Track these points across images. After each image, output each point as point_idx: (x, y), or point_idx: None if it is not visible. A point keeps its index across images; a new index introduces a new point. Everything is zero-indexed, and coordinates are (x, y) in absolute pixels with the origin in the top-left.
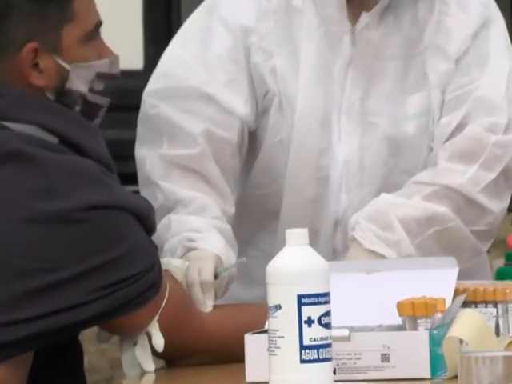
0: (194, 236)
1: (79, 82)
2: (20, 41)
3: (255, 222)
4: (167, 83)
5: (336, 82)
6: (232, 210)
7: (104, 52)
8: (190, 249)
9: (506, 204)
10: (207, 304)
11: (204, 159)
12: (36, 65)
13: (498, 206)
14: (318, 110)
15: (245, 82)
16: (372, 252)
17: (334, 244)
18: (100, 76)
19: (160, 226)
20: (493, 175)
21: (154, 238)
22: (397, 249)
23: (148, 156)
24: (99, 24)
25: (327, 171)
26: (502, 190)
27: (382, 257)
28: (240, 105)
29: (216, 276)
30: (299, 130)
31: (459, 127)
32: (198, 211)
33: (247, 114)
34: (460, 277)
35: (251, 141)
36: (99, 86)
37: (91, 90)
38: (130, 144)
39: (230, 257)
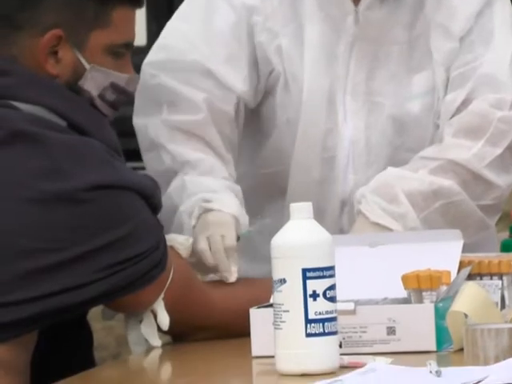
0: (210, 197)
1: (92, 85)
2: (48, 24)
3: (263, 201)
4: (168, 55)
5: (340, 62)
6: (234, 175)
7: (126, 69)
8: (207, 209)
9: None
10: (232, 270)
11: (207, 125)
12: (55, 53)
13: (504, 180)
14: (323, 89)
15: (245, 60)
16: (378, 225)
17: (341, 224)
18: (114, 87)
19: (173, 187)
20: (499, 150)
21: (167, 199)
22: (402, 222)
23: (150, 122)
24: (130, 45)
25: (334, 151)
26: (508, 165)
27: (388, 230)
28: (238, 81)
29: (237, 239)
30: (306, 109)
31: (464, 103)
32: (207, 172)
33: (245, 91)
34: (467, 250)
35: (261, 119)
36: (110, 97)
37: (101, 96)
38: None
39: (244, 217)
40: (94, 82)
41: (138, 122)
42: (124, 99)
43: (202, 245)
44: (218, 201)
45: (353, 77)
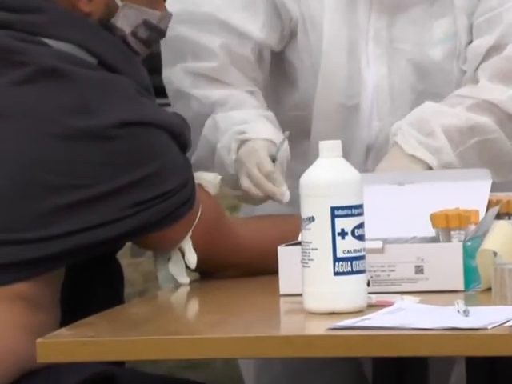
0: (244, 128)
1: (125, 22)
2: None
3: (289, 142)
4: (182, 7)
5: (361, 9)
6: (265, 104)
7: (159, 6)
8: (243, 141)
9: None
10: (283, 191)
11: (227, 69)
12: None
13: None
14: (343, 37)
15: (262, 6)
16: (413, 157)
17: (366, 170)
18: (147, 24)
19: (206, 128)
20: None
21: (204, 142)
22: (438, 156)
23: (173, 72)
24: None
25: (357, 99)
26: None
27: (422, 163)
28: (256, 29)
29: (273, 160)
30: (327, 56)
31: (496, 49)
32: (237, 106)
33: (264, 38)
34: (497, 189)
35: (285, 63)
36: (143, 34)
37: (134, 34)
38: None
39: (279, 137)
40: (127, 19)
41: (165, 73)
42: (156, 37)
43: (245, 183)
44: (252, 129)
45: (374, 23)
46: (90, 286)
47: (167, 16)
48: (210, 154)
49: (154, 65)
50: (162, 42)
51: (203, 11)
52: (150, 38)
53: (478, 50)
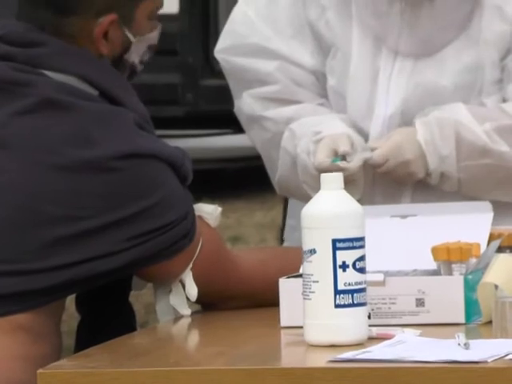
0: (319, 128)
1: (135, 54)
2: (101, 8)
3: None
4: (232, 41)
5: (385, 53)
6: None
7: (155, 23)
8: (319, 140)
9: None
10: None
11: (290, 90)
12: (105, 33)
13: None
14: (368, 68)
15: (308, 34)
16: (418, 145)
17: (373, 194)
18: (150, 48)
19: (284, 140)
20: None
21: (284, 154)
22: (440, 162)
23: (241, 101)
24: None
25: (368, 127)
26: None
27: (422, 157)
28: (306, 57)
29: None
30: (352, 83)
31: None
32: (311, 114)
33: (315, 64)
34: (497, 222)
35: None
36: (146, 57)
37: (141, 61)
38: (164, 88)
39: (358, 138)
40: (137, 51)
41: (235, 105)
42: (152, 53)
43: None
44: (326, 128)
45: (401, 60)
46: (105, 332)
47: (159, 29)
48: (291, 164)
49: (159, 96)
50: (227, 76)
51: (252, 42)
52: (151, 56)
53: None
